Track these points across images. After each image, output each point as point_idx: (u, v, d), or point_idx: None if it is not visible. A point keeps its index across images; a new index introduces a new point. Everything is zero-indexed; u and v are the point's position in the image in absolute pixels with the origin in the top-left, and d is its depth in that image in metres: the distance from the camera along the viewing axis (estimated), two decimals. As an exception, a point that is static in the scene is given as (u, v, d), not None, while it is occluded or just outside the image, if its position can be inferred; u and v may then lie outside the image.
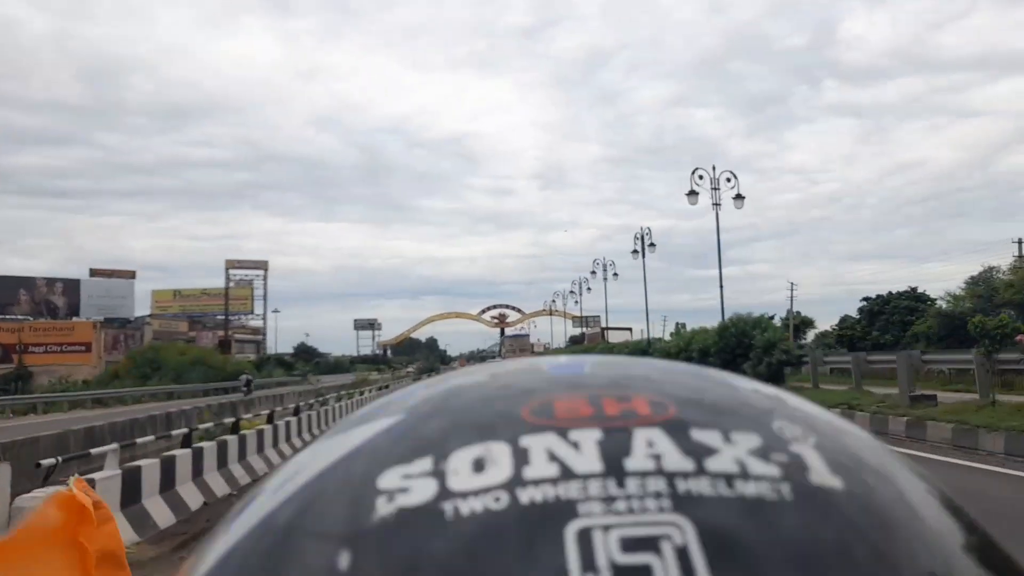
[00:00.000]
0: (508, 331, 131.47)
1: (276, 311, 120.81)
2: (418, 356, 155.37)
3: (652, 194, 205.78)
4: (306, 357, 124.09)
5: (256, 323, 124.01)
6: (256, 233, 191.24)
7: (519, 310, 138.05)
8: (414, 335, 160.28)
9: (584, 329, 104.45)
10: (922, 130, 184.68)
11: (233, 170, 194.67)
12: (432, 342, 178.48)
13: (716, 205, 30.38)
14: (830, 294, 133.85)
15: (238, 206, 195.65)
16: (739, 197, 30.45)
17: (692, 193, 31.00)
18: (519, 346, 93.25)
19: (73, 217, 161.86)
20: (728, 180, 30.50)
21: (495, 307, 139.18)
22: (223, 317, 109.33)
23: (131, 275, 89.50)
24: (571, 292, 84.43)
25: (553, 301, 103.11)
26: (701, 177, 31.08)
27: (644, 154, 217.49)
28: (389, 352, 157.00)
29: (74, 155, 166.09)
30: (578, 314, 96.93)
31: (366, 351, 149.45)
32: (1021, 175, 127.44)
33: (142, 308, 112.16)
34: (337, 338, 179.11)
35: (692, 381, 0.48)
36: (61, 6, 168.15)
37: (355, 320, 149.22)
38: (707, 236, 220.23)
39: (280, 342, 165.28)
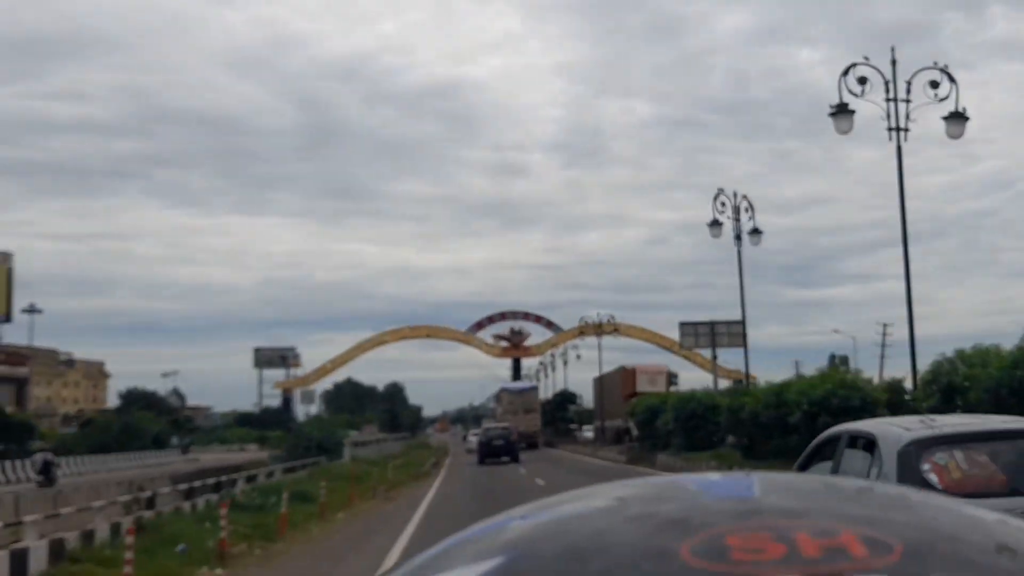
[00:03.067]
0: (520, 378, 78.33)
1: (33, 310, 58.91)
2: (368, 414, 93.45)
3: (730, 175, 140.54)
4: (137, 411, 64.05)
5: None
6: (148, 230, 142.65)
7: (551, 323, 73.27)
8: (356, 374, 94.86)
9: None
10: None
11: (113, 135, 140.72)
12: (394, 390, 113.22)
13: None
14: (995, 326, 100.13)
15: (122, 190, 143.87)
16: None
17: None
18: (523, 406, 59.87)
19: None
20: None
21: (502, 317, 73.84)
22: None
23: None
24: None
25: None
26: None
27: (719, 114, 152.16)
28: (315, 403, 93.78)
29: None
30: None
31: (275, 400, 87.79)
32: None
33: None
34: (243, 383, 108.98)
35: (914, 509, 0.37)
36: None
37: (255, 351, 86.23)
38: (811, 238, 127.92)
39: (129, 385, 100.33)
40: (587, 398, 71.15)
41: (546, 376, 71.17)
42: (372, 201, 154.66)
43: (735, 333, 55.86)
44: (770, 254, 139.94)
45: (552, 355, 67.73)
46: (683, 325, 55.16)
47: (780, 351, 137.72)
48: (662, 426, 30.84)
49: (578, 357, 61.31)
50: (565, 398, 68.40)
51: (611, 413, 52.35)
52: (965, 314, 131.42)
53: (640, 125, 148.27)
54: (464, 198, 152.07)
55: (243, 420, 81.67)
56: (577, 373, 79.04)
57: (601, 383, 57.07)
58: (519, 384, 71.51)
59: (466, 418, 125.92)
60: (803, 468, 6.36)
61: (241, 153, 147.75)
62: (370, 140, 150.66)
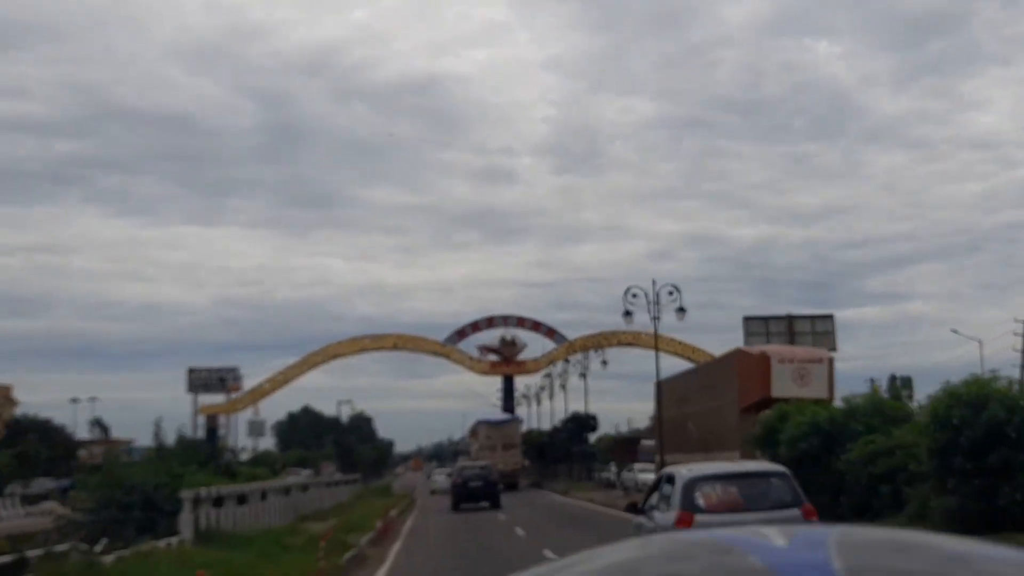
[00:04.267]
0: (513, 400, 66.11)
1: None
2: (326, 447, 78.19)
3: (741, 181, 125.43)
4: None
5: None
6: (91, 242, 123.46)
7: (552, 331, 57.62)
8: (317, 403, 79.14)
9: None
10: None
11: (52, 136, 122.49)
12: (361, 422, 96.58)
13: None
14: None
15: (61, 197, 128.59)
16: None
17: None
18: (502, 440, 52.66)
19: None
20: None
21: (489, 323, 58.25)
22: None
23: None
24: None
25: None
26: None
27: (729, 113, 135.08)
28: (267, 435, 77.53)
29: None
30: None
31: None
32: None
33: None
34: (183, 413, 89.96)
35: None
36: None
37: (189, 372, 69.06)
38: (831, 251, 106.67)
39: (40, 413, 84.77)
40: (606, 424, 54.88)
41: (551, 398, 55.27)
42: (342, 210, 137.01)
43: (822, 332, 41.16)
44: (784, 269, 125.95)
45: (567, 362, 51.09)
46: (748, 321, 41.30)
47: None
48: (861, 467, 13.70)
49: (604, 363, 44.86)
50: (582, 423, 52.25)
51: (703, 440, 27.56)
52: (1007, 336, 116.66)
53: (641, 126, 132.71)
54: (445, 207, 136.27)
55: (161, 456, 65.77)
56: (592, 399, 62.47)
57: (673, 389, 33.04)
58: (498, 416, 59.94)
59: (444, 454, 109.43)
60: (647, 498, 10.24)
61: (195, 156, 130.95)
62: (340, 141, 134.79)
